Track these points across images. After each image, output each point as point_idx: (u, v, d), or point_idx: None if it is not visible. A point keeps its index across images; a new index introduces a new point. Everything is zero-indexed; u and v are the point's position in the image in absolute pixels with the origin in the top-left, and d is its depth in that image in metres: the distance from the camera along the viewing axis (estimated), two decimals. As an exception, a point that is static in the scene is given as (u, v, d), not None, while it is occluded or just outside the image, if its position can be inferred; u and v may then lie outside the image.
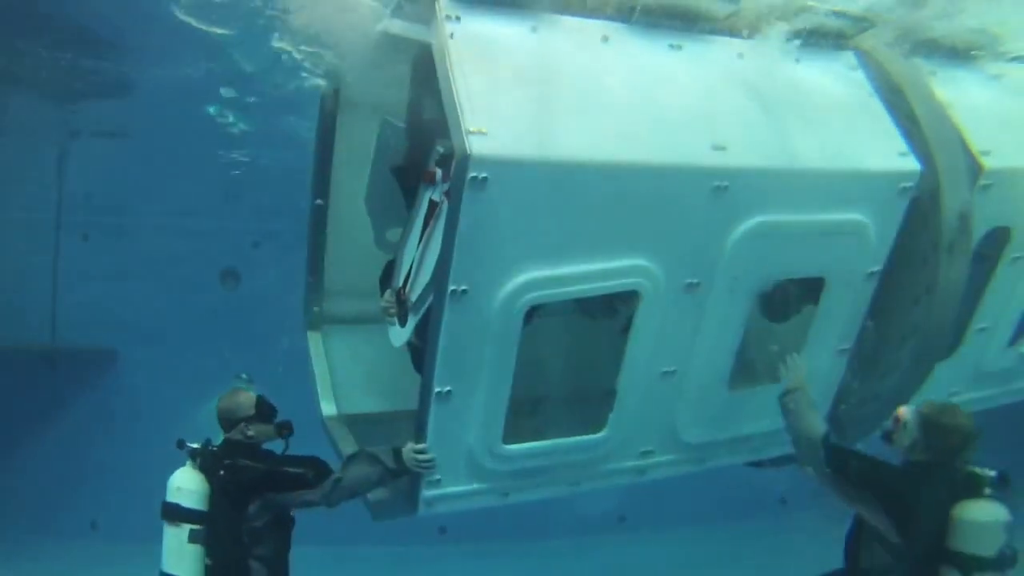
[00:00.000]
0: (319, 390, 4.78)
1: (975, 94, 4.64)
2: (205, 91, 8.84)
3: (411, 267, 4.07)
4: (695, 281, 3.78)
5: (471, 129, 3.10)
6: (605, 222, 3.47)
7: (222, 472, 3.51)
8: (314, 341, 5.17)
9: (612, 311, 4.48)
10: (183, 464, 3.57)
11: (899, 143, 4.14)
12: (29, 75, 6.98)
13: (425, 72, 4.16)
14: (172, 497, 3.48)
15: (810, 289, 4.73)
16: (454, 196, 3.17)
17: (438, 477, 3.66)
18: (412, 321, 3.98)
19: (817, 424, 3.77)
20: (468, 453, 3.67)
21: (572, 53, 3.57)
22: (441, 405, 3.50)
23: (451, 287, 3.27)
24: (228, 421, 3.72)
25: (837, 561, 3.80)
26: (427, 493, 3.68)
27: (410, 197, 4.45)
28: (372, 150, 4.94)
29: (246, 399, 3.77)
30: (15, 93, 7.34)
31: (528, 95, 3.35)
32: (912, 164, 4.10)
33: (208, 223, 9.27)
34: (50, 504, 8.90)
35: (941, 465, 3.37)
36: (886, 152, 4.10)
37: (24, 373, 9.01)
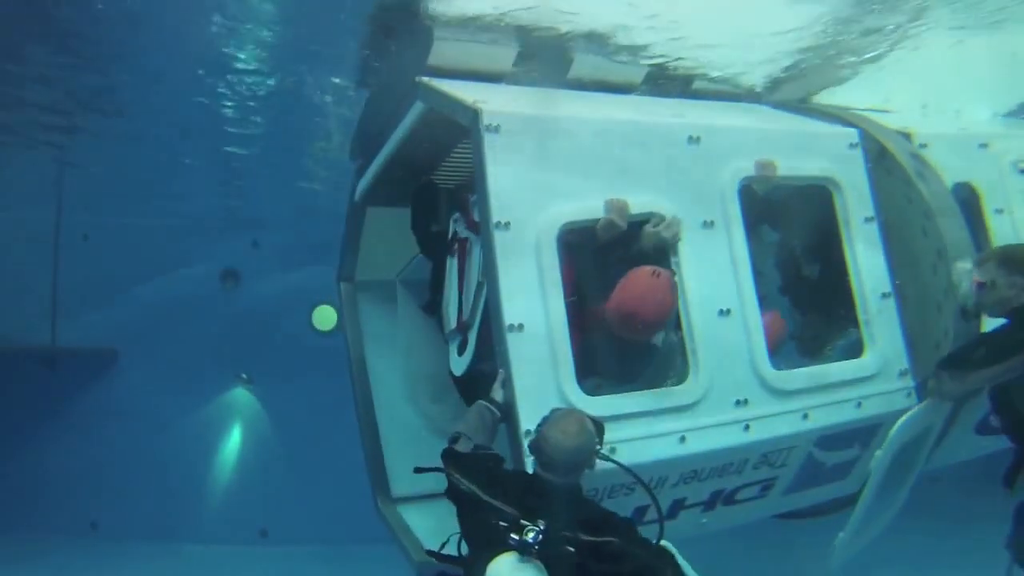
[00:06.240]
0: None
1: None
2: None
3: (458, 303, 4.37)
4: (710, 219, 4.16)
5: (475, 100, 3.86)
6: (612, 166, 4.00)
7: None
8: (391, 515, 5.06)
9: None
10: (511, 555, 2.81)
11: (827, 122, 4.95)
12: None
13: (425, 198, 5.03)
14: None
15: (839, 321, 5.05)
16: (476, 147, 3.77)
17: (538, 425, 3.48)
18: (473, 336, 4.13)
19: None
20: (558, 393, 3.56)
21: (543, 90, 4.54)
22: (516, 337, 3.55)
23: (495, 219, 3.66)
24: (577, 463, 2.96)
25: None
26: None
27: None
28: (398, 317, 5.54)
29: (583, 423, 3.02)
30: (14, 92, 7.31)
31: (515, 97, 4.23)
32: (849, 129, 4.84)
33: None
34: (50, 504, 8.96)
35: None
36: (821, 125, 4.90)
37: (24, 373, 9.06)
